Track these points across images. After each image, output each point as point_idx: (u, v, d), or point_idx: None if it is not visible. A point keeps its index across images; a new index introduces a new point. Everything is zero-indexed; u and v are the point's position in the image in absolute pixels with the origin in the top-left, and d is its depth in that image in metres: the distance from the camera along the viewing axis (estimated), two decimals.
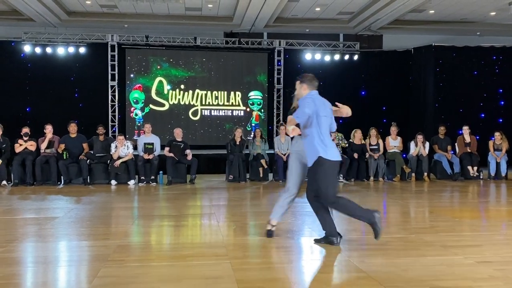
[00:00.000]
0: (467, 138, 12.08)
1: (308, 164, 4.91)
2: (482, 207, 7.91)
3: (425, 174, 11.59)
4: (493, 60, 15.47)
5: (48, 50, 14.38)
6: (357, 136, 11.65)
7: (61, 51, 14.43)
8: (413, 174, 11.64)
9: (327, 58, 15.45)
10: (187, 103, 15.20)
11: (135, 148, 11.43)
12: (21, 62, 14.50)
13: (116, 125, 14.77)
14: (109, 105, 14.76)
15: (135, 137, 13.91)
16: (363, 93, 15.87)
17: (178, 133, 11.39)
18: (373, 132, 11.82)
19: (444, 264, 4.19)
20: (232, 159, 11.36)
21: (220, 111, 15.38)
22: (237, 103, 15.43)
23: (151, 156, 10.94)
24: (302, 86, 5.04)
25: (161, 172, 11.06)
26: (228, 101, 15.40)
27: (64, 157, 10.72)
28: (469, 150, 11.90)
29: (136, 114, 14.96)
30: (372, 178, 11.47)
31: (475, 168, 11.80)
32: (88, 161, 10.82)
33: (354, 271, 4.07)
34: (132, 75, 15.00)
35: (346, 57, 15.53)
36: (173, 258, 4.47)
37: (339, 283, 3.88)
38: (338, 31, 15.99)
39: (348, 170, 11.37)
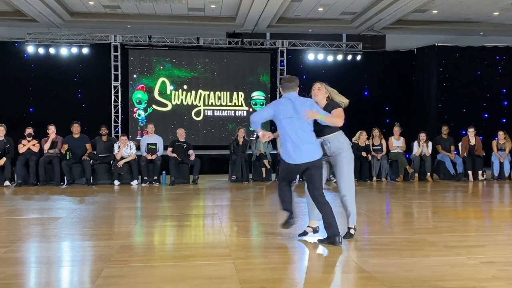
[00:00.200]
0: (472, 140, 12.00)
1: None
2: (485, 207, 7.90)
3: (428, 174, 11.56)
4: (496, 60, 15.41)
5: (51, 50, 14.41)
6: (362, 138, 11.61)
7: (64, 51, 14.45)
8: (416, 175, 11.62)
9: (330, 58, 15.44)
10: (190, 103, 15.20)
11: (138, 148, 11.44)
12: (24, 62, 14.52)
13: (119, 126, 14.78)
14: (112, 105, 14.78)
15: (138, 138, 13.92)
16: (366, 93, 15.84)
17: (181, 134, 11.40)
18: (376, 132, 11.81)
19: (447, 265, 4.18)
20: (235, 160, 11.36)
21: (223, 111, 15.38)
22: (240, 104, 15.44)
23: (154, 157, 10.95)
24: (281, 90, 5.22)
25: (164, 172, 11.07)
26: (231, 101, 15.40)
27: (67, 158, 10.74)
28: (475, 153, 11.81)
29: (139, 115, 14.98)
30: (375, 178, 11.45)
31: (480, 172, 11.75)
32: (91, 161, 10.83)
33: (357, 271, 4.06)
34: (135, 76, 15.02)
35: (349, 57, 15.51)
36: (176, 258, 4.47)
37: (342, 283, 3.88)
38: (341, 31, 15.96)
39: None
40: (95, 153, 10.98)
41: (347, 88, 14.90)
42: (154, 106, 15.00)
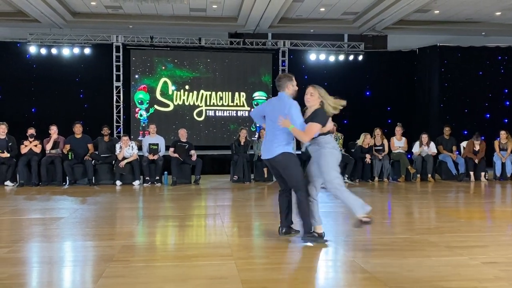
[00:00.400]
0: (477, 147, 11.90)
1: None
2: (487, 207, 7.89)
3: (429, 175, 11.54)
4: (498, 60, 15.40)
5: (53, 51, 14.43)
6: (365, 141, 11.58)
7: (66, 52, 14.48)
8: (418, 175, 11.59)
9: (332, 58, 15.43)
10: (191, 103, 15.22)
11: (139, 148, 11.45)
12: (27, 63, 14.56)
13: (121, 126, 14.80)
14: (114, 105, 14.80)
15: (140, 138, 13.94)
16: (367, 93, 15.84)
17: (182, 134, 11.40)
18: (378, 132, 11.81)
19: (449, 265, 4.18)
20: (237, 160, 11.36)
21: (225, 111, 15.39)
22: (241, 104, 15.44)
23: (156, 157, 10.96)
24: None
25: (165, 172, 11.07)
26: (232, 101, 15.41)
27: (69, 158, 10.76)
28: (476, 161, 11.77)
29: (141, 115, 14.99)
30: (376, 178, 11.44)
31: (482, 173, 11.72)
32: (93, 161, 10.84)
33: (359, 271, 4.06)
34: (137, 76, 15.03)
35: (351, 57, 15.51)
36: (178, 258, 4.48)
37: (343, 284, 3.87)
38: (343, 32, 15.96)
39: (353, 171, 11.36)
40: (97, 153, 10.99)
41: (349, 88, 15.15)
42: (156, 106, 15.02)
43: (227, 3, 13.39)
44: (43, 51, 14.39)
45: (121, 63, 14.78)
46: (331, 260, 4.56)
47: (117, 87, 14.80)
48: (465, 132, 14.23)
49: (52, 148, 10.75)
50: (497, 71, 15.35)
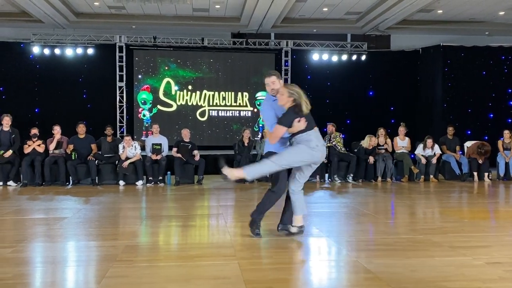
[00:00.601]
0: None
1: None
2: (491, 208, 7.87)
3: (432, 176, 11.52)
4: (502, 60, 15.36)
5: (57, 51, 14.47)
6: (370, 143, 11.53)
7: (69, 52, 14.51)
8: (422, 176, 11.55)
9: (335, 58, 15.41)
10: (194, 103, 15.23)
11: (142, 148, 11.47)
12: (30, 63, 14.60)
13: (124, 126, 14.82)
14: (117, 106, 14.82)
15: (143, 138, 13.95)
16: (371, 93, 15.81)
17: (185, 134, 11.41)
18: (381, 132, 11.79)
19: (452, 265, 4.17)
20: (240, 160, 11.37)
21: (228, 111, 15.40)
22: (244, 104, 15.44)
23: (159, 157, 10.97)
24: (280, 82, 5.21)
25: (169, 172, 11.08)
26: (235, 101, 15.41)
27: (73, 158, 10.78)
28: (479, 161, 11.73)
29: (144, 115, 15.01)
30: (380, 178, 11.43)
31: (486, 173, 11.68)
32: (96, 161, 10.86)
33: (362, 271, 4.06)
34: (140, 76, 15.05)
35: (354, 57, 15.49)
36: (181, 258, 4.48)
37: (347, 284, 3.87)
38: (346, 31, 15.95)
39: (356, 171, 11.34)
40: (100, 153, 11.01)
41: (352, 88, 15.15)
42: (159, 107, 15.04)
43: (230, 3, 13.40)
44: (47, 51, 14.42)
45: (124, 63, 14.79)
46: (334, 260, 4.56)
47: (120, 87, 14.82)
48: (469, 132, 14.21)
49: (56, 148, 10.78)
50: (500, 71, 15.31)
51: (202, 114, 15.27)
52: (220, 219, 6.68)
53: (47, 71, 14.52)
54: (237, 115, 15.44)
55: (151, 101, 15.03)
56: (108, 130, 11.26)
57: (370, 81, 15.74)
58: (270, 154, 5.10)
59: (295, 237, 5.24)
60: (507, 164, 11.76)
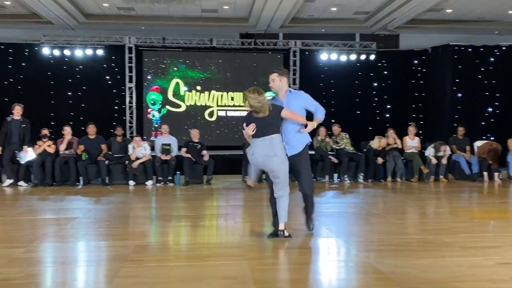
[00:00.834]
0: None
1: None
2: (502, 208, 7.82)
3: (441, 176, 11.45)
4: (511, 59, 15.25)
5: (66, 52, 14.56)
6: (380, 145, 11.47)
7: (79, 53, 14.59)
8: (432, 176, 11.47)
9: (343, 58, 15.38)
10: (203, 104, 15.27)
11: (152, 149, 11.51)
12: (40, 64, 14.68)
13: (134, 126, 14.89)
14: (127, 106, 14.89)
15: (152, 138, 14.00)
16: (380, 93, 15.76)
17: (194, 134, 11.44)
18: (391, 133, 11.74)
19: (463, 266, 4.16)
20: (248, 160, 11.35)
21: (236, 112, 15.41)
22: None
23: (168, 157, 11.00)
24: (283, 79, 5.37)
25: (178, 172, 11.11)
26: (244, 102, 15.39)
27: (83, 158, 10.83)
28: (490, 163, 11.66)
29: (153, 115, 15.07)
30: (389, 178, 11.38)
31: (496, 173, 11.59)
32: (106, 162, 10.91)
33: (372, 272, 4.05)
34: (149, 77, 15.11)
35: (363, 57, 15.44)
36: (191, 258, 4.50)
37: (357, 284, 3.87)
38: (354, 31, 15.91)
39: (365, 171, 11.31)
40: (110, 153, 11.06)
41: (361, 87, 15.10)
42: (168, 107, 15.09)
43: (239, 4, 13.41)
44: (56, 52, 14.51)
45: (133, 64, 14.86)
46: (343, 261, 4.56)
47: (129, 88, 14.89)
48: (477, 131, 14.09)
49: (66, 148, 10.84)
50: (510, 70, 15.19)
51: (211, 114, 15.30)
52: (229, 219, 6.70)
53: (56, 72, 14.61)
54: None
55: (160, 102, 15.08)
56: (118, 130, 11.31)
57: (379, 80, 15.69)
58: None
59: (304, 238, 5.24)
60: None
